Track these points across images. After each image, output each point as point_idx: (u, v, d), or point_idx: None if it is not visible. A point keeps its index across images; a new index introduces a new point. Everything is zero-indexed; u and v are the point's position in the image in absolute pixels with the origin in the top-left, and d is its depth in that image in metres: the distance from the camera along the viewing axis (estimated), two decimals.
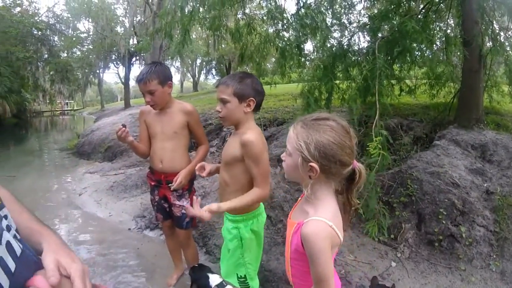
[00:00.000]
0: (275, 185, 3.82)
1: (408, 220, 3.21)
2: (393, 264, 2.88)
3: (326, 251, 1.04)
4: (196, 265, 1.99)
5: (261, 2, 6.08)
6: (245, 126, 1.73)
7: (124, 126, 2.19)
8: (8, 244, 0.64)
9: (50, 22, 24.66)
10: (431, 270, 2.81)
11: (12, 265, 0.62)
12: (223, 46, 22.27)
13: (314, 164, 1.07)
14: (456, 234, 2.97)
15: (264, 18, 5.33)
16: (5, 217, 0.70)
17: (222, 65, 30.04)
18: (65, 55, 26.60)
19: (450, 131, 4.19)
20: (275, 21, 5.10)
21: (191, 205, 2.43)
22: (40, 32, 23.53)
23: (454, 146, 3.88)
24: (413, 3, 4.55)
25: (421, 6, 4.95)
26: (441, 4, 5.00)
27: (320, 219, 1.06)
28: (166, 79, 2.24)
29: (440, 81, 5.58)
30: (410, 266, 2.86)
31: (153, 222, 3.88)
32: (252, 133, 1.67)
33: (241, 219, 1.79)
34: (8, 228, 0.67)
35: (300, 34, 4.50)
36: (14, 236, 0.66)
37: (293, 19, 5.04)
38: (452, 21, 5.83)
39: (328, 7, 4.89)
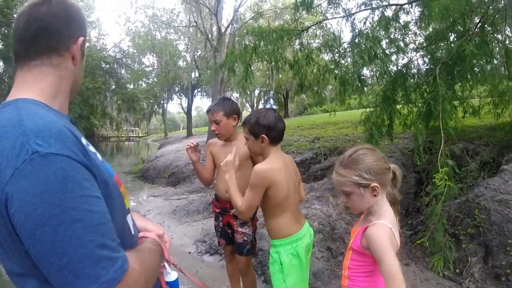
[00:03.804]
0: (336, 216, 3.76)
1: (475, 253, 3.02)
2: None
3: (391, 248, 1.21)
4: None
5: (316, 31, 6.22)
6: (265, 156, 1.88)
7: (197, 144, 2.52)
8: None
9: (117, 57, 27.44)
10: None
11: (131, 222, 0.95)
12: (280, 76, 22.78)
13: (374, 184, 1.30)
14: None
15: (321, 48, 5.44)
16: None
17: (279, 94, 30.58)
18: (132, 86, 29.01)
19: None
20: (333, 49, 5.19)
21: (253, 232, 2.53)
22: (108, 65, 26.15)
23: None
24: (468, 20, 4.37)
25: (477, 20, 4.74)
26: (496, 15, 4.74)
27: (382, 222, 1.28)
28: (232, 112, 2.44)
29: (504, 99, 5.20)
30: None
31: (213, 247, 3.99)
32: (262, 164, 1.82)
33: (279, 243, 1.86)
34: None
35: (358, 62, 4.52)
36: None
37: (350, 48, 5.10)
38: (509, 32, 5.48)
39: (384, 33, 4.87)
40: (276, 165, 1.81)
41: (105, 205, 0.72)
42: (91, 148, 0.80)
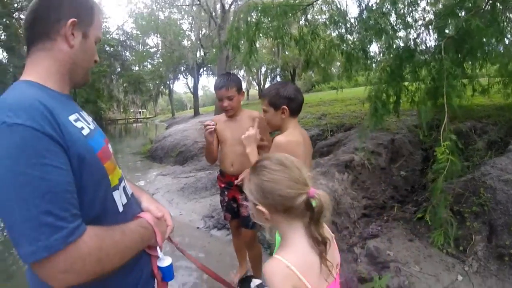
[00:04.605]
0: (341, 191, 3.81)
1: (479, 231, 2.99)
2: (460, 277, 2.71)
3: None
4: (244, 277, 2.10)
5: (323, 7, 6.10)
6: (285, 130, 1.88)
7: (214, 124, 2.47)
8: (124, 188, 1.04)
9: (121, 39, 27.26)
10: (498, 287, 2.58)
11: (124, 200, 1.01)
12: (286, 53, 22.50)
13: (259, 207, 1.05)
14: None
15: (327, 23, 5.35)
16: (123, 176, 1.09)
17: (286, 71, 30.24)
18: (137, 68, 28.97)
19: None
20: (339, 25, 5.10)
21: None
22: (112, 48, 26.02)
23: None
24: None
25: None
26: None
27: (279, 258, 0.99)
28: (241, 87, 2.49)
29: None
30: (477, 281, 2.66)
31: (220, 222, 4.09)
32: (282, 136, 1.82)
33: None
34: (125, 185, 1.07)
35: (365, 37, 4.45)
36: (124, 189, 1.04)
37: (356, 22, 5.00)
38: None
39: (391, 8, 4.76)
40: (295, 138, 1.83)
41: (67, 176, 0.76)
42: (79, 124, 0.88)
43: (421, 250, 3.07)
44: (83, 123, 0.90)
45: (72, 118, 0.87)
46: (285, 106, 1.83)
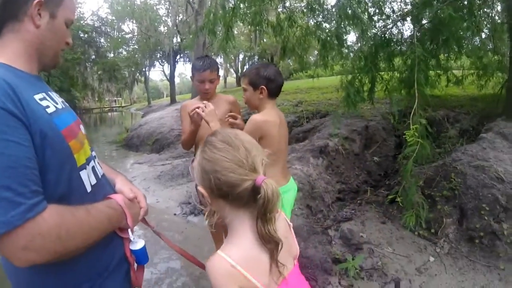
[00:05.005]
0: (316, 176, 3.87)
1: (450, 214, 3.09)
2: (431, 259, 2.81)
3: None
4: None
5: None
6: (262, 110, 1.91)
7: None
8: (93, 168, 1.02)
9: (96, 25, 26.47)
10: (469, 268, 2.70)
11: (93, 180, 0.99)
12: (264, 40, 22.46)
13: (200, 188, 0.93)
14: (498, 232, 2.80)
15: (304, 10, 5.35)
16: (95, 157, 1.08)
17: (264, 59, 30.11)
18: (112, 55, 28.25)
19: (498, 123, 4.00)
20: (316, 13, 5.12)
21: None
22: (86, 35, 25.21)
23: (501, 140, 3.67)
24: None
25: None
26: None
27: (222, 256, 0.87)
28: (219, 71, 2.46)
29: (488, 71, 5.32)
30: (448, 262, 2.77)
31: (197, 208, 4.09)
32: (259, 115, 1.86)
33: None
34: (94, 165, 1.04)
35: (341, 25, 4.49)
36: (93, 169, 1.02)
37: (333, 10, 5.03)
38: (499, 7, 5.50)
39: None
40: (272, 118, 1.87)
41: (27, 152, 0.75)
42: (44, 102, 0.88)
43: (394, 232, 3.17)
44: (49, 102, 0.90)
45: (37, 97, 0.86)
46: (263, 86, 1.85)
